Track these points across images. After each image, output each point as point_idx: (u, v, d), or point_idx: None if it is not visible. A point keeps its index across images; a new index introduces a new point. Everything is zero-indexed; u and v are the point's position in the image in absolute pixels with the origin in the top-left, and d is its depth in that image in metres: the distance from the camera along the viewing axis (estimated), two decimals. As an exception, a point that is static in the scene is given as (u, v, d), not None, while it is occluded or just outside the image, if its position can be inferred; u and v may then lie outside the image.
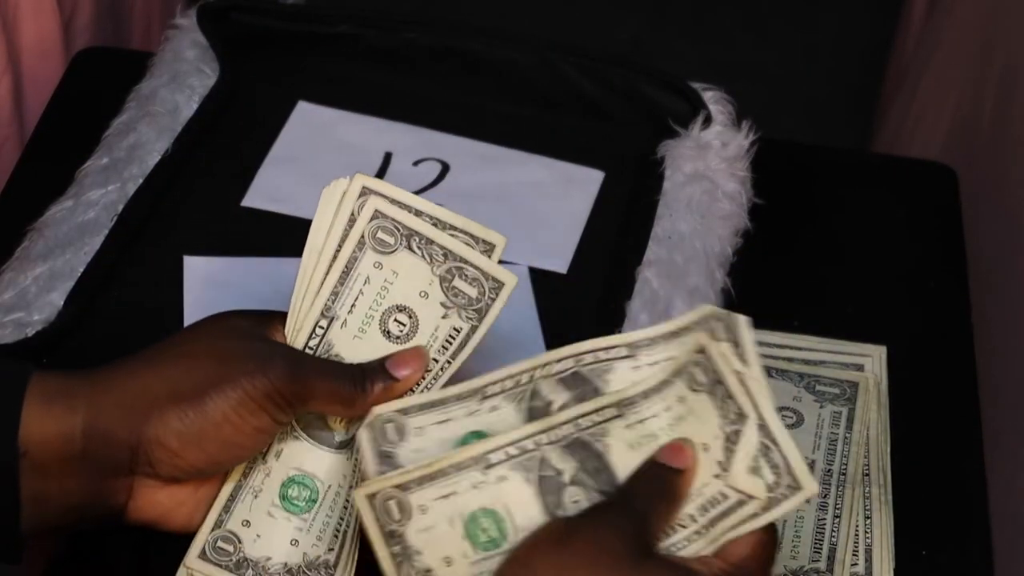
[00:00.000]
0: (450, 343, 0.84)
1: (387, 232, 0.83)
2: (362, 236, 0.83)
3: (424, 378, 0.84)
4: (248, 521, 0.83)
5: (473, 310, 0.84)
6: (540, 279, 1.07)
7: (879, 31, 2.03)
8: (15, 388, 0.77)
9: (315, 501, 0.84)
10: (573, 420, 0.78)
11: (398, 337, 0.84)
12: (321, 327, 0.84)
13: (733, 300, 1.08)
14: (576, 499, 0.77)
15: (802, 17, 2.20)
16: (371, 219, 0.83)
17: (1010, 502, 1.18)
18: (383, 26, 1.19)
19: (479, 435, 0.79)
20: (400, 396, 0.82)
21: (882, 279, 1.15)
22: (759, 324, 1.08)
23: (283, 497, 0.84)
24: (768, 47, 2.15)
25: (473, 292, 0.84)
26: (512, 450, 0.77)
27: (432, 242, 0.84)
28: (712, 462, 0.77)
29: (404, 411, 0.80)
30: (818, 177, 1.22)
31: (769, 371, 1.05)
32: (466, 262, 0.84)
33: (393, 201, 0.84)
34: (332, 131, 1.16)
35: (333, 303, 0.84)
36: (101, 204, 1.06)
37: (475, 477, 0.76)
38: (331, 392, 0.81)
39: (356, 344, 0.84)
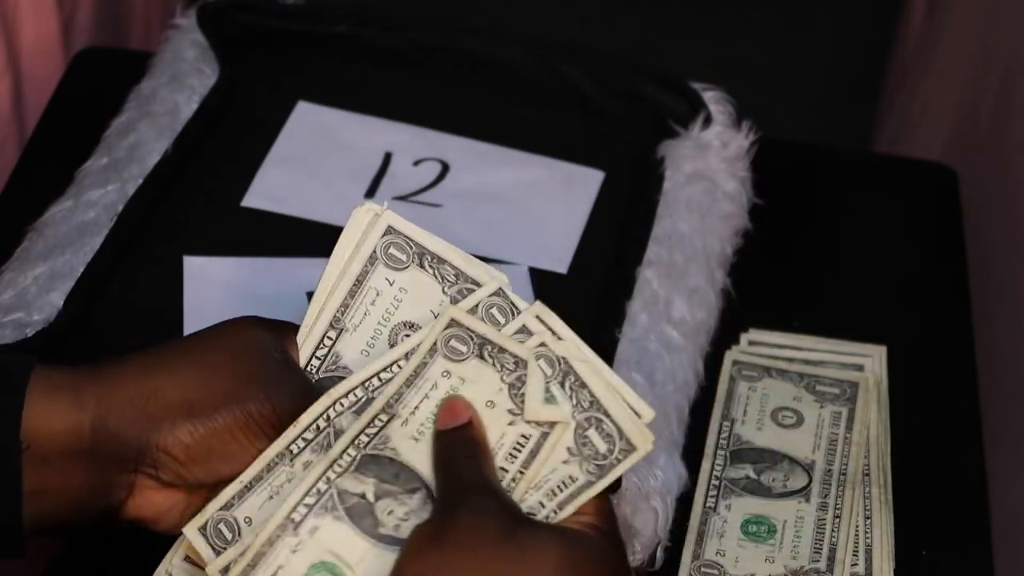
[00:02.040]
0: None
1: (399, 248, 0.83)
2: (374, 251, 0.83)
3: None
4: (250, 519, 0.83)
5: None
6: (540, 279, 1.07)
7: (879, 31, 2.03)
8: (17, 381, 0.77)
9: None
10: (351, 443, 0.77)
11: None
12: (329, 338, 0.84)
13: (733, 300, 1.08)
14: (389, 509, 0.76)
15: (802, 17, 2.20)
16: (384, 235, 0.83)
17: (1010, 502, 1.18)
18: (383, 26, 1.19)
19: (325, 566, 0.77)
20: None
21: (882, 279, 1.15)
22: (759, 324, 1.09)
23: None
24: (768, 47, 2.15)
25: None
26: (309, 499, 0.76)
27: (444, 261, 0.83)
28: (502, 412, 0.76)
29: (227, 506, 0.79)
30: (818, 177, 1.22)
31: (769, 371, 1.05)
32: (476, 283, 0.83)
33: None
34: (332, 131, 1.16)
35: (343, 315, 0.83)
36: (101, 204, 1.06)
37: (290, 542, 0.76)
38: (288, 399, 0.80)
39: (362, 358, 0.83)
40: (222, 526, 0.81)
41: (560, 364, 0.77)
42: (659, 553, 0.95)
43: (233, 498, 0.79)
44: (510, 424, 0.76)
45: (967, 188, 1.23)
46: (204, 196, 1.10)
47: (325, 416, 0.79)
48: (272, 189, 1.11)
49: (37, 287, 1.01)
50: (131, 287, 1.03)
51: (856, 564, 0.95)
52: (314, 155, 1.14)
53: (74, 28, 1.37)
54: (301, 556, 0.76)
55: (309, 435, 0.79)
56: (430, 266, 0.82)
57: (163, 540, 0.84)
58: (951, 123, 1.61)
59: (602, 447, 0.75)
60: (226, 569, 0.76)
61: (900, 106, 1.80)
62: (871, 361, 1.07)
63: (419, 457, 0.77)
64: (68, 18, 1.36)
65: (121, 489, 0.79)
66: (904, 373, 1.07)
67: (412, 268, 0.82)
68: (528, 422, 0.76)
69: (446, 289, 0.82)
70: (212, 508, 0.80)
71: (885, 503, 0.98)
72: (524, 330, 0.78)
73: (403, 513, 0.77)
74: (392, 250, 0.83)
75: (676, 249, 1.07)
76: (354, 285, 0.83)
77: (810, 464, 1.00)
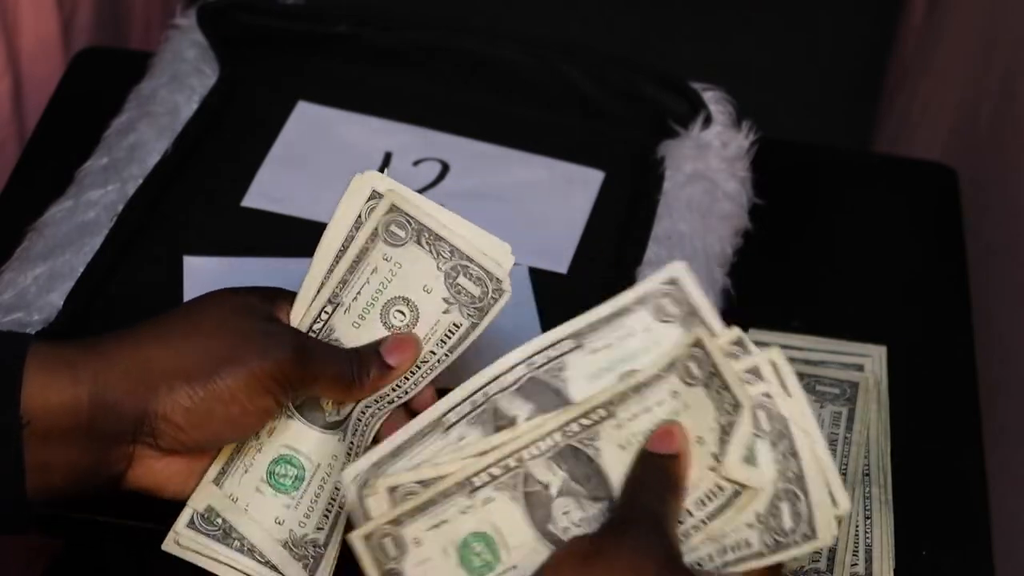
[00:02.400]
0: (448, 337, 0.85)
1: (399, 226, 0.85)
2: (376, 228, 0.84)
3: (420, 368, 0.85)
4: (235, 496, 0.84)
5: (475, 308, 0.85)
6: (540, 279, 1.07)
7: (879, 31, 2.03)
8: (14, 359, 0.78)
9: (302, 480, 0.85)
10: (560, 428, 0.77)
11: (397, 328, 0.85)
12: (327, 312, 0.85)
13: (733, 300, 1.08)
14: (566, 510, 0.76)
15: (802, 17, 2.20)
16: (386, 212, 0.84)
17: (1010, 502, 1.18)
18: (383, 26, 1.19)
19: (483, 538, 0.77)
20: (393, 381, 0.84)
21: (882, 279, 1.15)
22: (759, 324, 1.08)
23: (270, 474, 0.84)
24: (768, 47, 2.15)
25: (476, 291, 0.85)
26: (495, 470, 0.76)
27: (440, 239, 0.85)
28: (707, 454, 0.76)
29: (397, 521, 0.78)
30: (818, 177, 1.22)
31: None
32: (471, 261, 0.85)
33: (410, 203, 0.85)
34: (332, 131, 1.16)
35: (341, 290, 0.85)
36: (101, 204, 1.06)
37: (462, 503, 0.76)
38: (333, 378, 0.83)
39: (356, 331, 0.85)
40: (209, 514, 0.83)
41: (778, 423, 0.75)
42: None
43: (385, 457, 0.79)
44: (711, 468, 0.76)
45: (967, 188, 1.23)
46: (204, 196, 1.10)
47: (483, 391, 0.79)
48: (272, 189, 1.11)
49: (37, 287, 1.01)
50: (131, 287, 1.03)
51: (856, 564, 0.95)
52: (314, 155, 1.14)
53: (74, 28, 1.37)
54: (467, 519, 0.76)
55: (466, 407, 0.79)
56: (427, 243, 0.84)
57: (162, 538, 0.84)
58: (951, 123, 1.61)
59: (787, 524, 0.75)
60: (393, 489, 0.76)
61: (900, 106, 1.80)
62: (871, 361, 1.07)
63: (618, 466, 0.77)
64: (68, 18, 1.36)
65: (121, 460, 0.80)
66: (904, 373, 1.07)
67: (410, 244, 0.84)
68: (723, 476, 0.75)
69: (440, 265, 0.85)
70: (366, 461, 0.79)
71: (885, 503, 0.98)
72: (755, 372, 0.76)
73: (578, 518, 0.77)
74: (393, 227, 0.85)
75: (676, 249, 1.07)
76: (354, 261, 0.84)
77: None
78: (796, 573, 0.94)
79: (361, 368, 0.84)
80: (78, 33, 1.37)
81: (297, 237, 1.08)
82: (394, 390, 0.85)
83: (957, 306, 1.13)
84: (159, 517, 0.87)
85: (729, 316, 1.06)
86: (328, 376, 0.83)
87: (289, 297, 0.86)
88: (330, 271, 0.85)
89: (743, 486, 0.75)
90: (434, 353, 0.85)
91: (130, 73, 1.17)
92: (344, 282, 0.85)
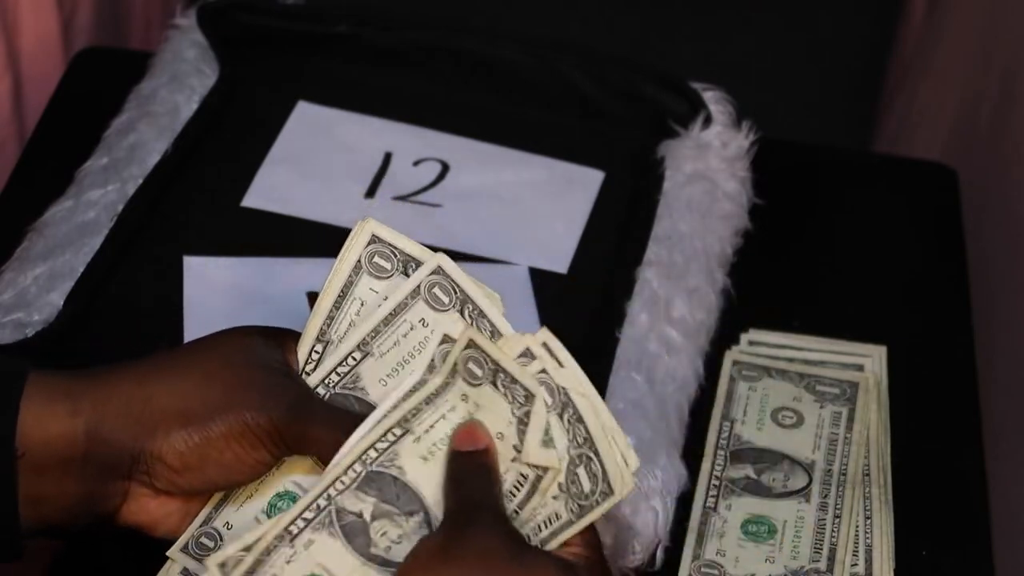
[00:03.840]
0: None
1: (384, 257, 0.82)
2: (359, 260, 0.82)
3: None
4: (231, 524, 0.83)
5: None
6: (540, 279, 1.07)
7: (879, 31, 2.03)
8: (12, 388, 0.77)
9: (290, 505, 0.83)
10: (359, 458, 0.77)
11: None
12: (354, 358, 0.82)
13: (733, 300, 1.08)
14: (383, 531, 0.76)
15: (802, 17, 2.20)
16: (368, 243, 0.82)
17: (1010, 502, 1.18)
18: (383, 26, 1.19)
19: (282, 496, 0.79)
20: None
21: (882, 279, 1.15)
22: (759, 324, 1.08)
23: (272, 507, 0.83)
24: (768, 47, 2.15)
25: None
26: (308, 514, 0.76)
27: (516, 382, 0.79)
28: (508, 448, 0.76)
29: (206, 522, 0.79)
30: (818, 177, 1.22)
31: (769, 371, 1.05)
32: (458, 288, 0.81)
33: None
34: (332, 131, 1.16)
35: (372, 339, 0.82)
36: (101, 204, 1.06)
37: (286, 552, 0.76)
38: (330, 443, 0.79)
39: (380, 387, 0.82)
40: (204, 539, 0.81)
41: (560, 394, 0.76)
42: (659, 553, 0.95)
43: (211, 512, 0.80)
44: (513, 460, 0.76)
45: (967, 188, 1.23)
46: (204, 196, 1.10)
47: (325, 495, 0.77)
48: (272, 189, 1.11)
49: (37, 287, 1.01)
50: (131, 287, 1.03)
51: (856, 564, 0.95)
52: (314, 155, 1.14)
53: (74, 28, 1.37)
54: (295, 567, 0.76)
55: (309, 515, 0.77)
56: (469, 316, 0.81)
57: (163, 542, 0.84)
58: (951, 123, 1.61)
59: (587, 487, 0.75)
60: (223, 564, 0.76)
61: (900, 106, 1.80)
62: (871, 361, 1.07)
63: (425, 478, 0.77)
64: (68, 18, 1.36)
65: (115, 496, 0.79)
66: (904, 373, 1.07)
67: (396, 276, 0.82)
68: (525, 463, 0.76)
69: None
70: (192, 527, 0.81)
71: (885, 503, 0.98)
72: (527, 354, 0.77)
73: (396, 536, 0.77)
74: (377, 259, 0.82)
75: (676, 249, 1.07)
76: (339, 296, 0.82)
77: (810, 464, 1.00)
78: (796, 573, 0.94)
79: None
80: (78, 33, 1.37)
81: (297, 237, 1.08)
82: None
83: (957, 306, 1.13)
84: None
85: (729, 316, 1.07)
86: (326, 441, 0.78)
87: (299, 339, 0.83)
88: (357, 314, 0.82)
89: (545, 468, 0.75)
90: None
91: (130, 73, 1.17)
92: (376, 332, 0.82)
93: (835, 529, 0.96)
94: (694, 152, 1.12)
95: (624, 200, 1.12)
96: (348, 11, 1.19)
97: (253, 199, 1.10)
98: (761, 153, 1.14)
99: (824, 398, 1.04)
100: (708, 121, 1.13)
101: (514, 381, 0.75)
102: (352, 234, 0.82)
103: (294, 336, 0.83)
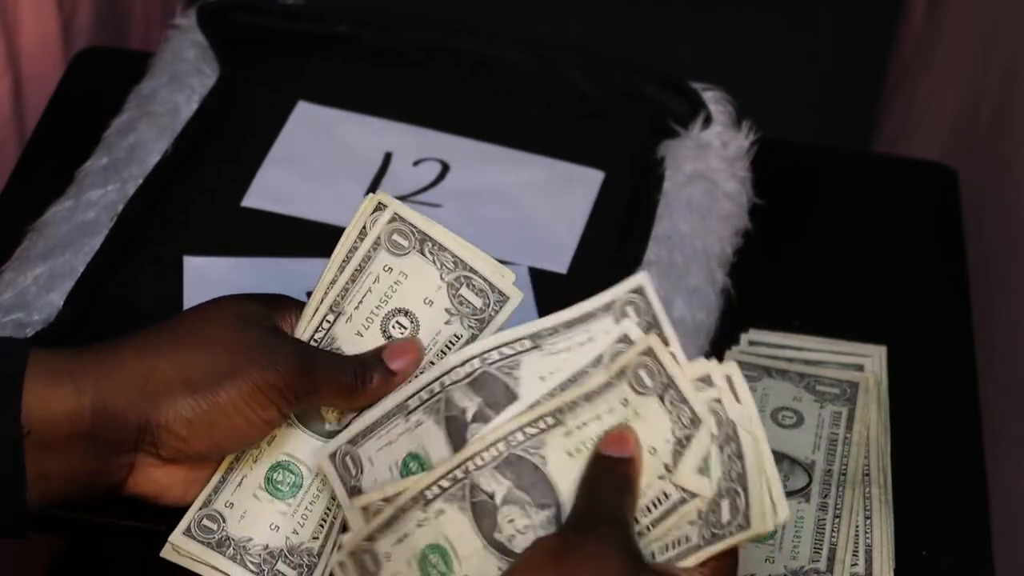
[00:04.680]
0: (449, 348, 0.85)
1: (402, 235, 0.85)
2: (378, 238, 0.85)
3: (419, 379, 0.84)
4: (232, 503, 0.84)
5: (476, 319, 0.85)
6: (540, 279, 1.07)
7: (879, 31, 2.03)
8: (14, 367, 0.77)
9: (300, 487, 0.85)
10: (504, 438, 0.77)
11: (399, 335, 0.86)
12: (328, 321, 0.85)
13: (733, 300, 1.08)
14: (511, 518, 0.77)
15: (802, 17, 2.20)
16: (389, 221, 0.84)
17: (1010, 502, 1.18)
18: (383, 26, 1.19)
19: (415, 457, 0.80)
20: (396, 387, 0.84)
21: (882, 279, 1.15)
22: (759, 324, 1.08)
23: (268, 481, 0.85)
24: (768, 47, 2.15)
25: (478, 302, 0.85)
26: (444, 483, 0.77)
27: (444, 249, 0.85)
28: (658, 464, 0.76)
29: (352, 442, 0.81)
30: (818, 177, 1.22)
31: (769, 371, 1.05)
32: (475, 272, 0.85)
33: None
34: (332, 131, 1.16)
35: (342, 299, 0.85)
36: (101, 204, 1.06)
37: (419, 516, 0.77)
38: (337, 386, 0.82)
39: (358, 340, 0.85)
40: (206, 521, 0.83)
41: (727, 427, 0.75)
42: (659, 553, 0.95)
43: (357, 436, 0.82)
44: (660, 478, 0.76)
45: (967, 188, 1.23)
46: (204, 196, 1.10)
47: (440, 382, 0.80)
48: (272, 189, 1.11)
49: (37, 287, 1.01)
50: (131, 287, 1.03)
51: (856, 564, 0.95)
52: (314, 155, 1.14)
53: (74, 28, 1.37)
54: (424, 532, 0.77)
55: (424, 395, 0.80)
56: (430, 252, 0.84)
57: (163, 542, 0.84)
58: (951, 123, 1.61)
59: (726, 517, 0.75)
60: (365, 508, 0.78)
61: (900, 106, 1.80)
62: (871, 361, 1.07)
63: (565, 474, 0.77)
64: (68, 18, 1.36)
65: (122, 468, 0.80)
66: (904, 373, 1.07)
67: (412, 254, 0.84)
68: (674, 483, 0.76)
69: (443, 276, 0.85)
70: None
71: (885, 503, 0.98)
72: (707, 380, 0.77)
73: (523, 525, 0.77)
74: (395, 236, 0.85)
75: (676, 249, 1.07)
76: (356, 270, 0.85)
77: (810, 464, 1.00)
78: (796, 573, 0.94)
79: (364, 375, 0.83)
80: (78, 33, 1.37)
81: (297, 237, 1.08)
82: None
83: (957, 306, 1.13)
84: (159, 517, 0.87)
85: (729, 316, 1.07)
86: (331, 385, 0.82)
87: (291, 305, 0.86)
88: (333, 281, 0.86)
89: (692, 494, 0.75)
90: (434, 363, 0.85)
91: (130, 73, 1.17)
92: (346, 291, 0.85)
93: (835, 529, 0.96)
94: (694, 152, 1.12)
95: (624, 200, 1.12)
96: (348, 11, 1.19)
97: (253, 199, 1.10)
98: (761, 153, 1.14)
99: (824, 398, 1.04)
100: (708, 121, 1.13)
101: (683, 401, 0.75)
102: (364, 211, 0.85)
103: (287, 300, 0.85)
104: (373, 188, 1.12)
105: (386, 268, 0.85)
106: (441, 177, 1.13)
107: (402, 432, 0.79)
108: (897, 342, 1.08)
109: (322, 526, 0.85)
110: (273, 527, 0.85)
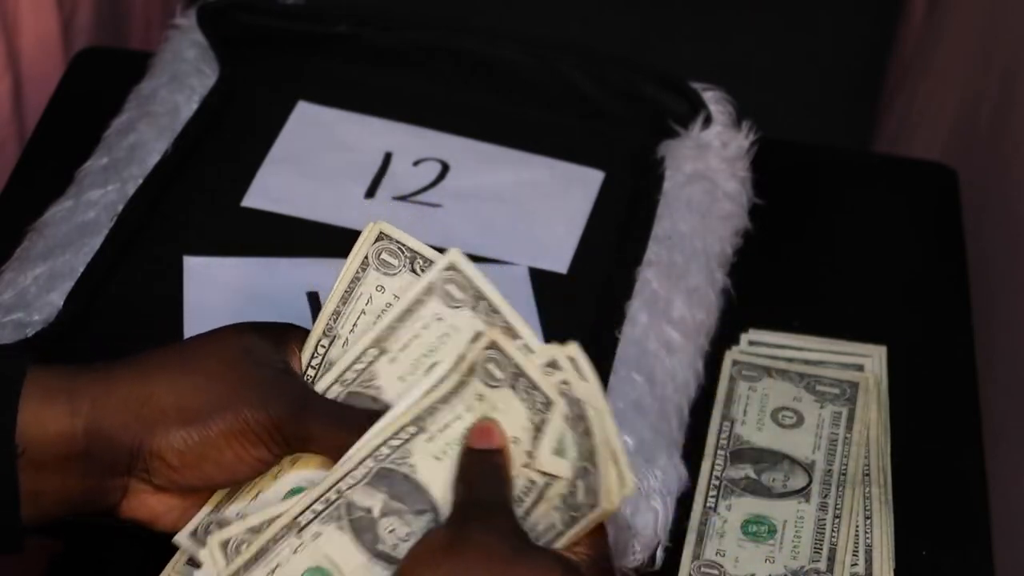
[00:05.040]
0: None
1: (391, 254, 0.83)
2: (366, 257, 0.83)
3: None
4: (245, 514, 0.83)
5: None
6: (540, 279, 1.07)
7: (879, 31, 2.03)
8: (11, 385, 0.77)
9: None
10: (371, 455, 0.77)
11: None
12: (323, 345, 0.83)
13: (733, 300, 1.08)
14: (391, 528, 0.77)
15: (802, 17, 2.20)
16: (376, 241, 0.82)
17: (1010, 502, 1.18)
18: (383, 26, 1.19)
19: (319, 571, 0.77)
20: None
21: (882, 279, 1.15)
22: (759, 324, 1.08)
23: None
24: (768, 47, 2.15)
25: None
26: (318, 506, 0.76)
27: (497, 311, 0.81)
28: (521, 453, 0.76)
29: (217, 509, 0.79)
30: (818, 177, 1.22)
31: (769, 371, 1.05)
32: (469, 285, 0.81)
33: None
34: (332, 131, 1.16)
35: (335, 322, 0.83)
36: (101, 204, 1.06)
37: (293, 542, 0.76)
38: (332, 441, 0.79)
39: (402, 385, 0.82)
40: (214, 527, 0.81)
41: (576, 407, 0.76)
42: (659, 553, 0.95)
43: (222, 499, 0.81)
44: (524, 466, 0.76)
45: (967, 188, 1.23)
46: (204, 196, 1.10)
47: (336, 489, 0.78)
48: (272, 189, 1.11)
49: (37, 287, 1.01)
50: (131, 287, 1.03)
51: (856, 564, 0.95)
52: (314, 155, 1.14)
53: (74, 28, 1.37)
54: (301, 557, 0.76)
55: (319, 507, 0.77)
56: (421, 270, 0.82)
57: (163, 541, 0.84)
58: (951, 123, 1.61)
59: (581, 498, 0.75)
60: (225, 543, 0.77)
61: (900, 106, 1.80)
62: (871, 361, 1.07)
63: (436, 478, 0.77)
64: (68, 18, 1.36)
65: (115, 491, 0.80)
66: (904, 373, 1.07)
67: (404, 272, 0.82)
68: (536, 469, 0.76)
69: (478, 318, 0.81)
70: (202, 514, 0.81)
71: (885, 503, 0.98)
72: (554, 364, 0.76)
73: (404, 533, 0.77)
74: (384, 255, 0.82)
75: (676, 249, 1.07)
76: (346, 292, 0.82)
77: (810, 464, 1.00)
78: (796, 573, 0.94)
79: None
80: (78, 33, 1.37)
81: (297, 237, 1.08)
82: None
83: (957, 306, 1.13)
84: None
85: (729, 316, 1.07)
86: (326, 438, 0.79)
87: (298, 335, 0.83)
88: (336, 311, 0.83)
89: (554, 477, 0.75)
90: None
91: (130, 73, 1.17)
92: (392, 329, 0.81)
93: (835, 529, 0.96)
94: (694, 152, 1.12)
95: (624, 200, 1.12)
96: (348, 11, 1.19)
97: (253, 199, 1.10)
98: (761, 153, 1.14)
99: (824, 398, 1.04)
100: (708, 121, 1.13)
101: (534, 387, 0.76)
102: (362, 237, 0.82)
103: (294, 332, 0.83)
104: (373, 188, 1.12)
105: (379, 287, 0.82)
106: (441, 177, 1.13)
107: (295, 550, 0.77)
108: (897, 342, 1.08)
109: None
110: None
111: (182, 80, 1.15)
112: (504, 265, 1.07)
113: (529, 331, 0.78)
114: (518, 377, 0.76)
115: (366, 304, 0.83)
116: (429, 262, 0.82)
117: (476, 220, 1.11)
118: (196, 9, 1.18)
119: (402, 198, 1.12)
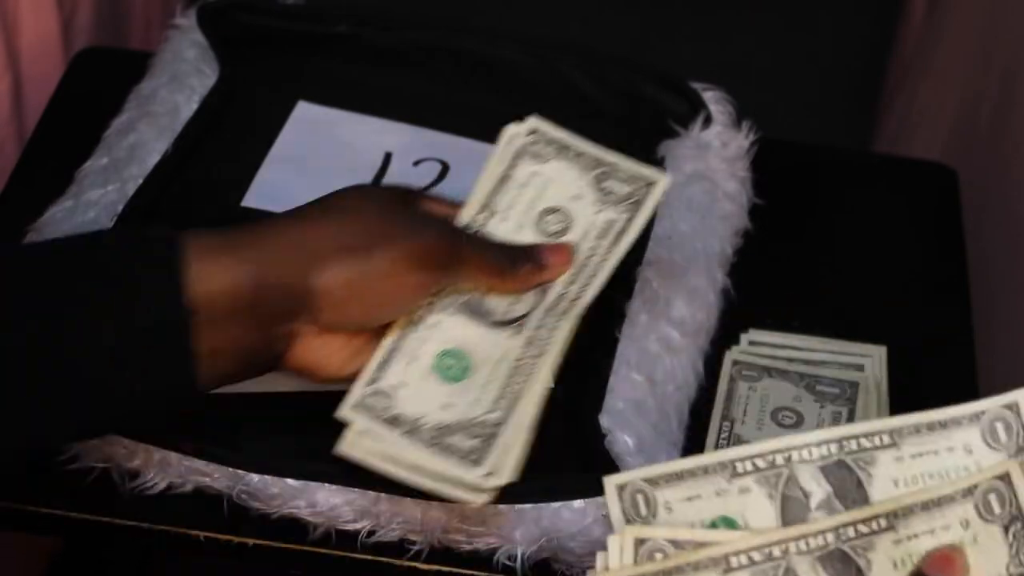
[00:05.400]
0: (606, 232, 0.90)
1: (542, 145, 0.91)
2: (520, 147, 0.90)
3: (588, 265, 0.90)
4: (403, 382, 0.85)
5: (628, 204, 0.91)
6: (540, 279, 1.06)
7: (879, 31, 2.03)
8: (172, 251, 0.79)
9: (469, 370, 0.87)
10: (835, 529, 0.71)
11: (554, 233, 0.91)
12: (478, 221, 0.90)
13: (733, 300, 1.08)
14: None
15: (802, 17, 2.20)
16: (528, 133, 0.90)
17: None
18: (383, 26, 1.19)
19: (729, 522, 0.73)
20: (544, 283, 0.88)
21: (882, 279, 1.15)
22: (759, 324, 1.08)
23: (437, 365, 0.86)
24: (768, 47, 2.15)
25: (626, 188, 0.91)
26: (756, 555, 0.71)
27: (582, 154, 0.91)
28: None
29: (652, 481, 0.74)
30: (818, 177, 1.22)
31: (769, 371, 1.05)
32: (616, 166, 0.92)
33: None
34: (332, 131, 1.16)
35: (492, 200, 0.90)
36: (101, 204, 1.06)
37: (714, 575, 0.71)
38: (483, 263, 0.87)
39: (514, 239, 0.90)
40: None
41: None
42: (659, 553, 0.95)
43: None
44: None
45: (967, 188, 1.23)
46: (204, 196, 1.10)
47: (786, 454, 0.74)
48: (272, 189, 1.11)
49: (37, 287, 1.00)
50: (131, 287, 1.03)
51: None
52: (314, 155, 1.14)
53: (74, 28, 1.37)
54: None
55: (761, 463, 0.74)
56: (573, 157, 0.92)
57: (163, 541, 0.84)
58: (951, 123, 1.61)
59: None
60: (641, 541, 0.73)
61: (900, 106, 1.80)
62: (871, 361, 1.07)
63: None
64: (68, 18, 1.36)
65: (283, 340, 0.83)
66: (904, 373, 1.07)
67: (553, 161, 0.91)
68: None
69: (587, 174, 0.92)
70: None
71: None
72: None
73: None
74: (536, 147, 0.91)
75: (676, 249, 1.07)
76: (502, 177, 0.90)
77: None
78: None
79: (515, 259, 0.88)
80: (78, 33, 1.37)
81: (297, 237, 1.08)
82: (566, 291, 0.89)
83: (957, 306, 1.13)
84: (157, 517, 0.87)
85: (729, 316, 1.07)
86: (479, 260, 0.87)
87: (438, 198, 0.91)
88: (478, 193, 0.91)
89: None
90: (594, 249, 0.89)
91: (130, 73, 1.17)
92: (495, 195, 0.90)
93: None
94: (694, 152, 1.12)
95: (624, 200, 1.12)
96: (348, 11, 1.19)
97: (253, 199, 1.10)
98: (761, 153, 1.14)
99: (824, 398, 1.04)
100: (708, 121, 1.13)
101: None
102: (507, 135, 0.93)
103: (416, 191, 0.91)
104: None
105: (532, 173, 0.90)
106: (441, 177, 1.13)
107: (718, 492, 0.73)
108: (897, 342, 1.08)
109: (500, 400, 0.85)
110: (444, 406, 0.85)
111: (182, 80, 1.15)
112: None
113: None
114: (1015, 520, 0.71)
115: (521, 187, 0.91)
116: (577, 151, 0.92)
117: (476, 220, 1.10)
118: (196, 9, 1.18)
119: (402, 198, 1.12)
